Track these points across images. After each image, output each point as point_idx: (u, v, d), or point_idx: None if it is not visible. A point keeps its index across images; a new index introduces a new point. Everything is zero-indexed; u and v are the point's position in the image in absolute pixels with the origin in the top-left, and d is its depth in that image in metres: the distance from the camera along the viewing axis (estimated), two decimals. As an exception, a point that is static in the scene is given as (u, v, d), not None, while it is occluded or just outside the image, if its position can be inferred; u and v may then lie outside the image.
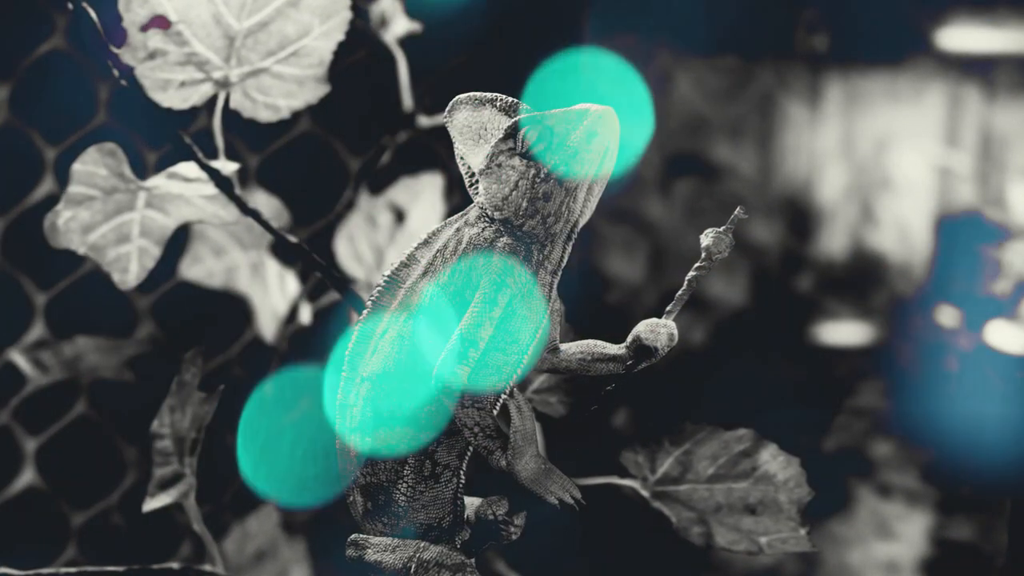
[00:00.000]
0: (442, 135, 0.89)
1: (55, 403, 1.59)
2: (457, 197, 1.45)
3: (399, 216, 1.38)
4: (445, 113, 0.86)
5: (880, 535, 1.68)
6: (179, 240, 1.45)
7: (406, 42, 1.35)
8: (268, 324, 1.43)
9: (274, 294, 1.42)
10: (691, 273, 0.84)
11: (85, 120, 1.56)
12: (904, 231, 1.73)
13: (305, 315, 1.41)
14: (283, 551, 1.44)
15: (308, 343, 1.53)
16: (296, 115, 1.02)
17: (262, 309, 1.43)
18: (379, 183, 1.42)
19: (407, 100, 1.34)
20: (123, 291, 0.97)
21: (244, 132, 1.53)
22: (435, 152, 1.53)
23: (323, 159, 1.61)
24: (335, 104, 1.23)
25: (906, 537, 1.67)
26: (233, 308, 1.50)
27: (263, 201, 1.41)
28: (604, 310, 1.70)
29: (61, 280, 1.57)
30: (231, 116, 1.03)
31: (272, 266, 1.43)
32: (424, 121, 1.35)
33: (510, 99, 0.85)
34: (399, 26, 1.34)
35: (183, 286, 1.49)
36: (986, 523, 1.66)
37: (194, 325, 1.60)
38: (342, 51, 1.00)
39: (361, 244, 1.38)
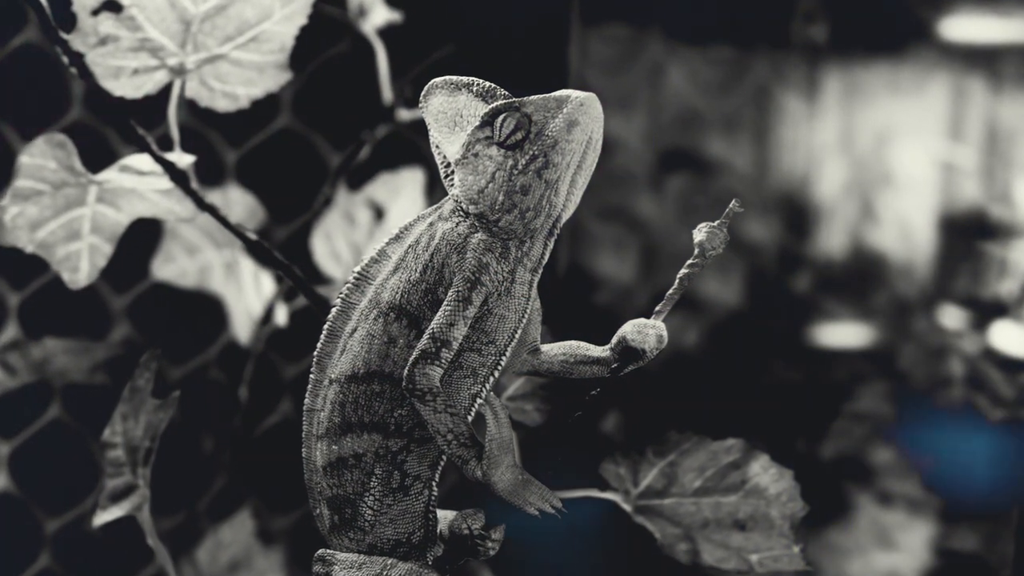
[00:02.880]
0: (423, 129, 0.86)
1: (29, 406, 1.56)
2: (439, 193, 1.43)
3: (378, 213, 1.37)
4: (420, 98, 0.83)
5: (880, 545, 1.66)
6: (152, 238, 1.42)
7: (386, 32, 1.34)
8: (243, 325, 1.41)
9: (249, 294, 1.40)
10: (683, 270, 0.82)
11: (59, 115, 1.54)
12: (906, 229, 1.73)
13: (281, 316, 1.39)
14: (258, 561, 1.42)
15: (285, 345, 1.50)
16: (273, 109, 0.99)
17: (236, 310, 1.41)
18: (358, 179, 1.41)
19: (387, 93, 1.32)
20: (74, 290, 0.93)
21: (221, 126, 1.51)
22: (416, 146, 1.51)
23: (301, 154, 1.59)
24: (313, 97, 1.20)
25: (907, 547, 1.65)
26: (209, 308, 1.48)
27: (237, 198, 1.39)
28: (592, 312, 1.68)
29: (34, 280, 1.54)
30: (206, 109, 1.00)
31: (247, 265, 1.42)
32: (404, 114, 1.35)
33: (488, 84, 0.83)
34: (378, 16, 1.34)
35: (159, 287, 1.47)
36: (991, 533, 1.63)
37: (170, 327, 1.57)
38: (321, 42, 0.97)
39: (339, 242, 1.37)
